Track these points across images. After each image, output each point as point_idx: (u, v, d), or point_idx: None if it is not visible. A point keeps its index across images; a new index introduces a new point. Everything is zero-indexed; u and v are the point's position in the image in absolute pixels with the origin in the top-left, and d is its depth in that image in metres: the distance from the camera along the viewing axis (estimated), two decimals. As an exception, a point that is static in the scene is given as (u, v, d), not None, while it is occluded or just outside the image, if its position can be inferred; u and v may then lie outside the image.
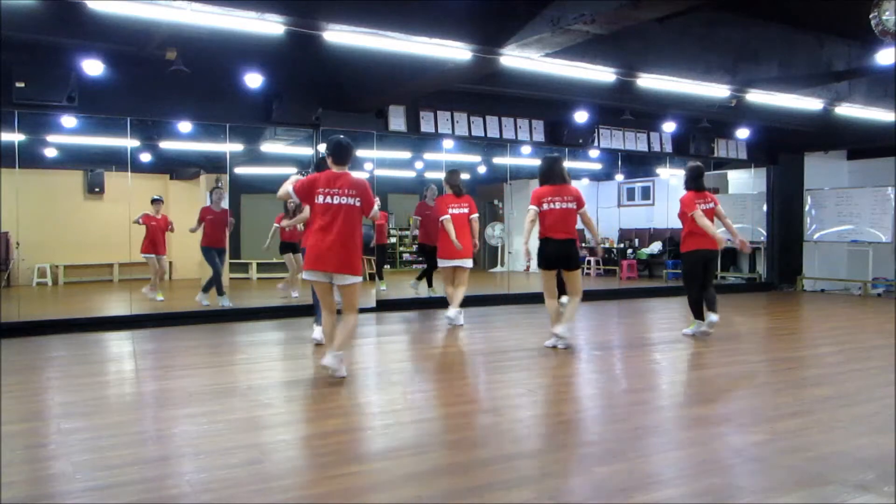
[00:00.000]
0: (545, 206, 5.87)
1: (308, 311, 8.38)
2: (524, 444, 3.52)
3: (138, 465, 3.14)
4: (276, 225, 9.61)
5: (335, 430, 3.75)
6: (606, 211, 15.23)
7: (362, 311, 8.80)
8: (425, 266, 9.64)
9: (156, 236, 9.41)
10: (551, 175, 5.97)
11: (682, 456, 3.33)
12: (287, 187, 4.77)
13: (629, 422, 3.90)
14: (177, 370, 5.37)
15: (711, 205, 6.50)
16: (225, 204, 9.12)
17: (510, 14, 5.75)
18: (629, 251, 14.81)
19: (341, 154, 4.77)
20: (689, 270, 6.56)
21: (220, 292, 8.72)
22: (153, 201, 9.53)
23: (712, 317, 6.32)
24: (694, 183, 6.52)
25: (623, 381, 5.09)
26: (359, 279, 4.75)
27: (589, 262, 15.07)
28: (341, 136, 4.86)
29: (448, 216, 7.13)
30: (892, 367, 5.27)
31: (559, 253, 5.88)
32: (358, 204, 4.69)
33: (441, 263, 7.33)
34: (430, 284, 9.50)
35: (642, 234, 15.07)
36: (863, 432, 3.64)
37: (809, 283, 12.21)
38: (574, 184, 6.26)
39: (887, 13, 5.40)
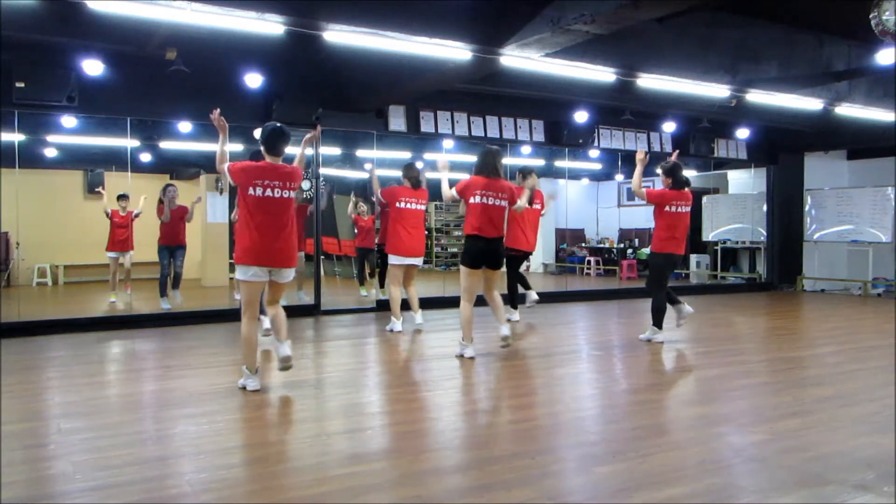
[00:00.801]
0: (476, 200, 5.48)
1: (309, 311, 8.42)
2: (524, 444, 3.52)
3: (138, 465, 3.14)
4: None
5: (335, 431, 3.75)
6: (606, 211, 15.24)
7: (362, 310, 8.87)
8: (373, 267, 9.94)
9: (121, 233, 9.35)
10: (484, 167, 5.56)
11: (682, 456, 3.33)
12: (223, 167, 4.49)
13: (629, 422, 3.91)
14: (177, 370, 5.37)
15: (688, 209, 6.22)
16: (178, 201, 9.03)
17: (510, 14, 5.75)
18: (629, 251, 14.81)
19: (276, 143, 4.55)
20: (660, 275, 6.34)
21: (162, 293, 8.70)
22: (119, 198, 9.45)
23: (687, 307, 6.36)
24: (675, 183, 6.23)
25: (623, 381, 5.09)
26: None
27: (589, 262, 15.07)
28: (276, 123, 4.66)
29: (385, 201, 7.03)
30: (892, 367, 5.27)
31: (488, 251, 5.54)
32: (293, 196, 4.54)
33: (393, 261, 6.97)
34: (381, 286, 9.54)
35: (642, 234, 15.07)
36: (863, 432, 3.64)
37: (809, 283, 12.21)
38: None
39: (887, 13, 5.40)
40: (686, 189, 6.29)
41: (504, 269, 6.44)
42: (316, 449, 3.47)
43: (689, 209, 6.24)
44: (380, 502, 2.76)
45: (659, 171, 6.40)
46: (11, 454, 3.25)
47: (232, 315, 8.20)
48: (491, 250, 5.51)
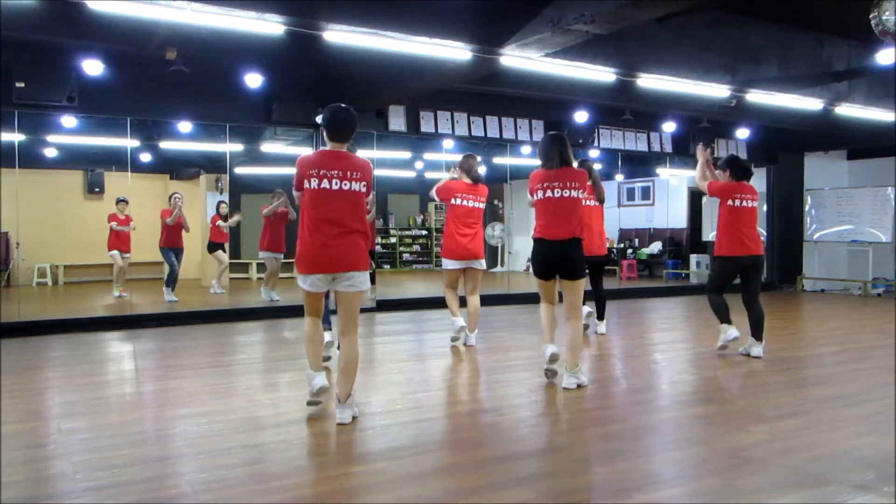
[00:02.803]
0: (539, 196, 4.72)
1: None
2: (524, 444, 3.52)
3: (138, 465, 3.14)
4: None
5: (335, 430, 3.75)
6: (606, 211, 15.16)
7: (362, 310, 8.82)
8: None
9: (120, 235, 9.80)
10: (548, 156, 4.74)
11: (682, 456, 3.33)
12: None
13: (629, 422, 3.91)
14: (177, 370, 5.37)
15: (754, 203, 5.63)
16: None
17: (510, 14, 5.74)
18: (629, 251, 14.81)
19: (340, 126, 3.85)
20: (719, 278, 5.79)
21: (168, 284, 9.46)
22: (118, 202, 9.96)
23: (731, 332, 5.64)
24: (736, 174, 5.69)
25: (623, 381, 5.09)
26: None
27: (589, 262, 15.06)
28: (341, 104, 3.92)
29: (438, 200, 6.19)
30: (892, 367, 5.28)
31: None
32: (363, 189, 3.84)
33: (446, 265, 6.18)
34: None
35: (642, 234, 15.06)
36: (863, 432, 3.64)
37: (809, 283, 12.21)
38: None
39: (887, 13, 5.40)
40: (749, 182, 5.72)
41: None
42: (316, 449, 3.47)
43: (754, 204, 5.65)
44: (380, 502, 2.76)
45: (717, 171, 5.94)
46: (11, 454, 3.25)
47: (232, 315, 8.23)
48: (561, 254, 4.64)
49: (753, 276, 5.72)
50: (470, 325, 6.17)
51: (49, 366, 5.65)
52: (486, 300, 9.71)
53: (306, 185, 3.76)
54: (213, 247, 10.48)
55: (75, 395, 4.57)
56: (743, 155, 11.76)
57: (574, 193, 4.61)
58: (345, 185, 3.74)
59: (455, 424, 3.93)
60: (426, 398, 4.51)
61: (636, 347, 6.48)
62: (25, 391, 4.64)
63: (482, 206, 6.22)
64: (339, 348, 4.01)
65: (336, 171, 3.73)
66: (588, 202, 6.21)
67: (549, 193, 4.62)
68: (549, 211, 4.63)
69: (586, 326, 6.62)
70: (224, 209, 10.46)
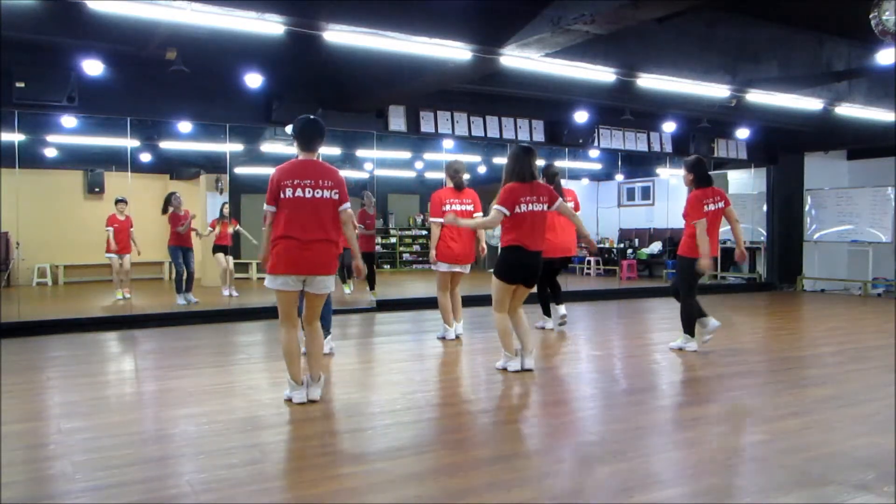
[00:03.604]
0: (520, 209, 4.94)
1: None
2: (524, 444, 3.52)
3: (138, 465, 3.14)
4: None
5: (335, 430, 3.76)
6: (606, 211, 15.23)
7: (362, 310, 8.88)
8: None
9: (120, 237, 9.64)
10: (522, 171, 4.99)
11: (682, 456, 3.33)
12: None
13: (629, 422, 3.90)
14: (177, 370, 5.37)
15: (721, 204, 5.78)
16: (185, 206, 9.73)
17: (510, 14, 5.75)
18: (629, 251, 14.81)
19: (311, 137, 4.12)
20: (689, 278, 5.81)
21: (179, 290, 9.31)
22: (117, 202, 9.78)
23: (712, 322, 5.87)
24: (700, 179, 5.80)
25: (623, 381, 5.09)
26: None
27: (589, 262, 15.08)
28: (310, 115, 4.22)
29: (439, 220, 6.24)
30: (892, 367, 5.28)
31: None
32: (335, 197, 4.08)
33: (439, 267, 6.46)
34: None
35: (642, 234, 15.07)
36: (863, 432, 3.64)
37: (809, 283, 12.21)
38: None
39: (887, 13, 5.40)
40: (712, 185, 5.85)
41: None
42: (316, 449, 3.47)
43: (720, 206, 5.76)
44: (380, 502, 2.76)
45: (682, 171, 6.02)
46: (11, 454, 3.25)
47: (232, 315, 8.23)
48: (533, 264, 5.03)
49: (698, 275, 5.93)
50: (456, 316, 6.68)
51: (49, 366, 5.65)
52: (486, 300, 9.72)
53: (282, 194, 3.99)
54: (215, 249, 10.46)
55: (75, 395, 4.58)
56: (743, 155, 11.79)
57: (544, 207, 5.01)
58: (317, 192, 4.02)
59: (455, 424, 3.93)
60: (426, 398, 4.51)
61: (636, 347, 6.48)
62: (25, 391, 4.64)
63: (470, 208, 6.44)
64: (303, 329, 4.33)
65: (309, 181, 4.01)
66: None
67: (529, 207, 4.92)
68: (528, 224, 4.93)
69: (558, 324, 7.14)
70: (226, 210, 10.45)
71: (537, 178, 5.07)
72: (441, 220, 6.22)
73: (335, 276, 4.25)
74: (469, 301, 9.09)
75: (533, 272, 5.04)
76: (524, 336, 5.15)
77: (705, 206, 5.70)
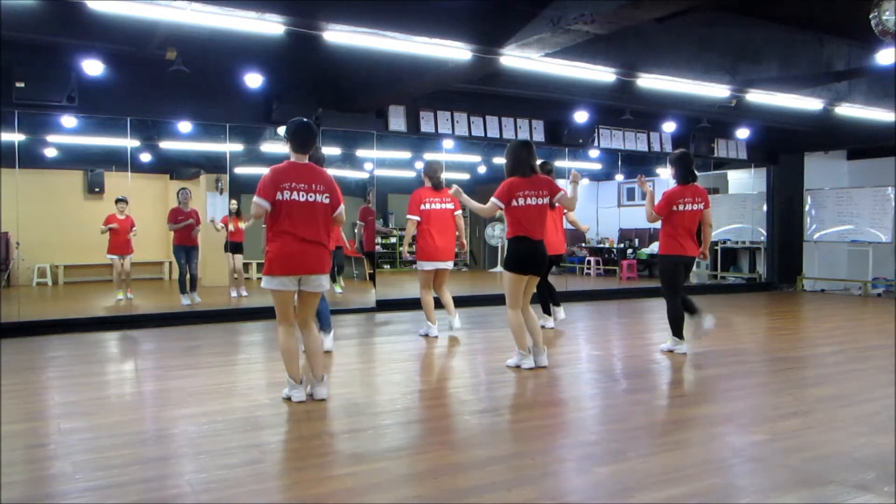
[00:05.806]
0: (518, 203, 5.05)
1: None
2: (524, 444, 3.52)
3: (138, 465, 3.14)
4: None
5: (335, 430, 3.76)
6: (606, 211, 15.23)
7: (362, 310, 8.88)
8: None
9: (120, 237, 9.53)
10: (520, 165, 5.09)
11: (682, 456, 3.33)
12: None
13: (629, 422, 3.90)
14: (177, 370, 5.37)
15: (701, 206, 5.70)
16: (192, 204, 9.59)
17: (510, 14, 5.75)
18: (629, 251, 14.81)
19: (304, 139, 4.18)
20: (670, 278, 5.77)
21: (183, 290, 9.20)
22: (117, 201, 9.64)
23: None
24: (681, 175, 5.74)
25: (623, 381, 5.09)
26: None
27: (589, 262, 15.07)
28: (302, 118, 4.27)
29: (416, 217, 6.47)
30: (892, 367, 5.28)
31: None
32: (326, 200, 4.20)
33: (421, 266, 6.56)
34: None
35: (642, 234, 15.06)
36: (863, 432, 3.64)
37: (809, 283, 12.21)
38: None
39: (887, 13, 5.40)
40: (694, 184, 5.78)
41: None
42: (316, 449, 3.47)
43: (699, 207, 5.71)
44: (379, 502, 2.76)
45: (667, 167, 6.02)
46: (11, 454, 3.25)
47: (232, 315, 8.23)
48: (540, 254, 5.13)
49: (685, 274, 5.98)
50: (449, 311, 6.71)
51: (49, 366, 5.65)
52: (487, 300, 9.75)
53: (279, 196, 4.08)
54: (226, 246, 10.40)
55: (75, 395, 4.57)
56: (743, 155, 11.79)
57: (544, 201, 5.12)
58: (311, 196, 4.13)
59: (455, 424, 3.93)
60: (426, 398, 4.51)
61: (636, 347, 6.48)
62: (25, 391, 4.64)
63: (450, 206, 6.60)
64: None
65: (303, 185, 4.12)
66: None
67: (528, 201, 5.05)
68: (529, 217, 5.06)
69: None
70: (234, 206, 10.36)
71: (537, 172, 5.17)
72: (417, 217, 6.52)
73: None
74: (469, 301, 9.11)
75: (542, 259, 5.16)
76: (536, 333, 5.24)
77: (676, 207, 5.70)
